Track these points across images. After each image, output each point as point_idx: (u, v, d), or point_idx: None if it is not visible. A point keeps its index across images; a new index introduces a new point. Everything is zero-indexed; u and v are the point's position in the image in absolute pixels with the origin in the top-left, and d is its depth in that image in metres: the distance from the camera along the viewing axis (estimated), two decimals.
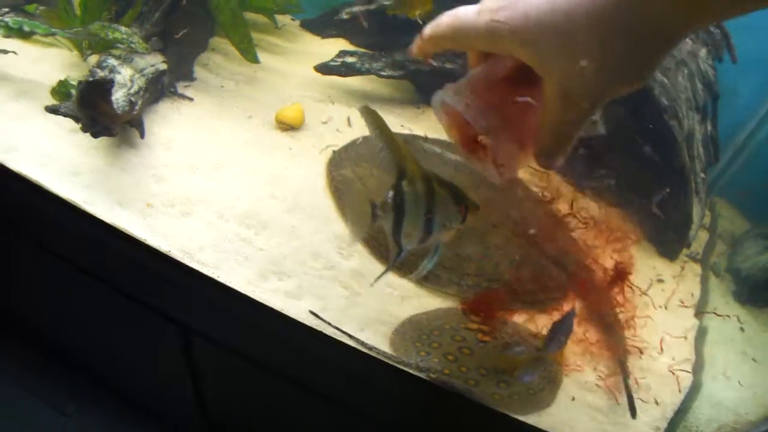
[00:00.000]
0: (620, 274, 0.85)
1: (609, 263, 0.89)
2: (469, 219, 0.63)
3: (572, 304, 0.83)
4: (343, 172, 0.95)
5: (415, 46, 0.60)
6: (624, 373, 0.78)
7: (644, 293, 0.91)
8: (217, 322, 0.84)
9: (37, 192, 0.82)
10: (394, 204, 0.59)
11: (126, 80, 0.89)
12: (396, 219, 0.59)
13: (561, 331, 0.73)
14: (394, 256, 0.62)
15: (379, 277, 0.69)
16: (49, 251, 0.94)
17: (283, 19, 1.38)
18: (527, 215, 0.94)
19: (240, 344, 0.84)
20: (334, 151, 1.01)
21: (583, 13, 0.47)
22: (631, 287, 0.87)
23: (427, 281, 0.83)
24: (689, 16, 0.45)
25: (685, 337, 0.89)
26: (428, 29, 0.57)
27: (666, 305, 0.94)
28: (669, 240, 1.09)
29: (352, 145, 1.02)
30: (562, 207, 1.00)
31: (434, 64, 1.16)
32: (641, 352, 0.83)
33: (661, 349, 0.85)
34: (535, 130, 0.56)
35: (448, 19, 0.56)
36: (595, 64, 0.48)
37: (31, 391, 1.26)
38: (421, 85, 1.28)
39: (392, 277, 0.84)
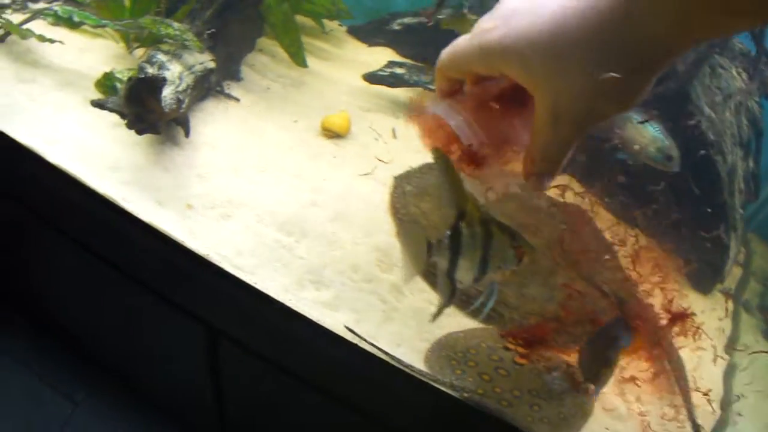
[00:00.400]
0: (680, 315, 0.81)
1: (655, 294, 0.85)
2: (525, 261, 0.62)
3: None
4: (408, 209, 0.90)
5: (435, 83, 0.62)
6: (689, 406, 0.77)
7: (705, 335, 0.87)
8: (250, 327, 0.82)
9: (75, 186, 0.80)
10: (451, 243, 0.59)
11: (174, 77, 0.87)
12: (451, 258, 0.60)
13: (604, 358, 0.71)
14: (447, 295, 0.62)
15: (436, 315, 0.66)
16: (80, 244, 0.92)
17: (330, 24, 1.36)
18: (585, 247, 0.90)
19: (270, 351, 0.82)
20: (396, 178, 0.95)
21: (573, 33, 0.47)
22: (688, 325, 0.83)
23: (489, 320, 0.81)
24: (679, 39, 0.46)
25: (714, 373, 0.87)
26: (437, 65, 0.59)
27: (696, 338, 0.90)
28: (703, 274, 1.06)
29: (417, 173, 0.97)
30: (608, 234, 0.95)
31: None
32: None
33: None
34: (526, 150, 0.57)
35: (447, 49, 0.57)
36: (585, 86, 0.49)
37: (41, 376, 1.26)
38: None
39: (432, 295, 0.81)
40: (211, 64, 0.97)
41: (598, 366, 0.73)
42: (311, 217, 0.88)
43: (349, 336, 0.71)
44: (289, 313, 0.72)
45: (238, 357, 0.88)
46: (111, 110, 0.84)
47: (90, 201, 0.79)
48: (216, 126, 0.99)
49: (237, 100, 1.05)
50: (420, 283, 0.81)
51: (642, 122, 0.96)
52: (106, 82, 0.94)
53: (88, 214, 0.84)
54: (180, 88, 0.87)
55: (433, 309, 0.74)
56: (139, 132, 0.84)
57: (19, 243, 1.10)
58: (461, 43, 0.56)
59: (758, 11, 0.42)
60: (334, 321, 0.72)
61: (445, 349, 0.74)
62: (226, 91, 1.05)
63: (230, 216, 0.84)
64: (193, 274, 0.77)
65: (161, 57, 0.89)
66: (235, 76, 1.10)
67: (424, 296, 0.80)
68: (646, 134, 0.96)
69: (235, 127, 0.99)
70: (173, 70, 0.88)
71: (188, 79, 0.90)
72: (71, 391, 1.25)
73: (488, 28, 0.52)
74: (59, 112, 0.91)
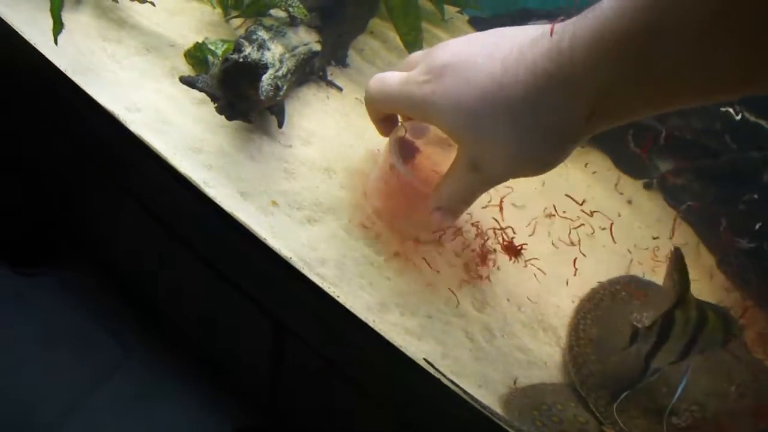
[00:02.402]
0: None
1: None
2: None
3: None
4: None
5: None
6: None
7: None
8: (322, 335, 0.80)
9: (153, 159, 0.74)
10: (661, 328, 0.61)
11: (275, 59, 0.74)
12: (656, 343, 0.62)
13: None
14: (642, 374, 0.65)
15: (619, 400, 0.67)
16: (154, 216, 0.92)
17: (451, 10, 1.21)
18: None
19: (337, 357, 0.81)
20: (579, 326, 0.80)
21: (496, 103, 0.52)
22: None
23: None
24: (599, 121, 0.50)
25: None
26: (365, 95, 0.65)
27: None
28: None
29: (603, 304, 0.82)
30: None
31: None
32: None
33: None
34: (438, 184, 0.63)
35: (375, 84, 0.63)
36: (503, 151, 0.54)
37: (99, 319, 1.33)
38: None
39: (525, 340, 0.74)
40: (316, 47, 0.84)
41: None
42: None
43: (426, 365, 0.67)
44: (369, 333, 0.67)
45: (303, 354, 0.89)
46: (201, 90, 0.73)
47: (168, 179, 0.74)
48: (312, 118, 0.86)
49: (340, 89, 0.92)
50: (513, 327, 0.74)
51: None
52: (196, 54, 0.83)
53: (163, 190, 0.80)
54: (279, 73, 0.74)
55: (522, 356, 0.73)
56: (229, 118, 0.74)
57: (93, 198, 1.14)
58: (391, 83, 0.60)
59: (666, 100, 0.47)
60: (415, 349, 0.67)
61: (529, 398, 0.69)
62: (329, 78, 0.91)
63: (317, 221, 0.75)
64: (271, 273, 0.72)
65: (262, 34, 0.76)
66: (342, 62, 0.96)
67: (515, 342, 0.73)
68: None
69: (334, 122, 0.87)
70: (274, 51, 0.75)
71: (289, 63, 0.78)
72: (126, 338, 1.31)
73: (419, 80, 0.57)
74: (142, 79, 0.82)
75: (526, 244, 0.79)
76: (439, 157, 0.77)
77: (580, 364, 0.73)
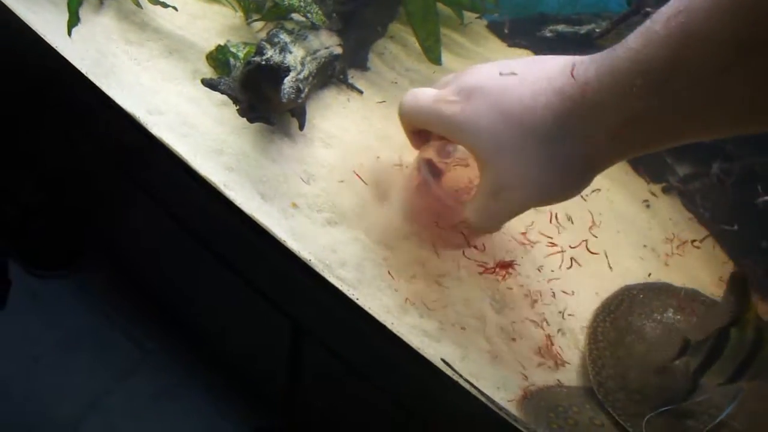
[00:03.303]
0: None
1: None
2: None
3: None
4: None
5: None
6: None
7: None
8: (341, 337, 0.80)
9: (174, 162, 0.75)
10: (714, 345, 0.59)
11: (297, 63, 0.75)
12: (706, 359, 0.59)
13: None
14: (688, 393, 0.63)
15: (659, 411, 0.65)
16: (173, 217, 0.93)
17: (470, 16, 1.21)
18: None
19: (357, 360, 0.82)
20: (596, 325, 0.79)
21: (524, 130, 0.53)
22: None
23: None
24: (621, 151, 0.52)
25: None
26: (399, 110, 0.66)
27: None
28: None
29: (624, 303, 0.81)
30: None
31: None
32: None
33: None
34: (467, 202, 0.63)
35: (409, 101, 0.64)
36: (525, 177, 0.54)
37: (114, 321, 1.34)
38: None
39: (543, 343, 0.74)
40: (338, 50, 0.84)
41: None
42: None
43: (444, 367, 0.67)
44: (387, 335, 0.68)
45: (322, 356, 0.89)
46: (223, 92, 0.73)
47: (189, 180, 0.74)
48: (333, 120, 0.87)
49: (360, 92, 0.93)
50: (531, 330, 0.74)
51: None
52: (218, 56, 0.84)
53: (184, 192, 0.81)
54: (301, 76, 0.75)
55: (540, 358, 0.72)
56: (251, 120, 0.75)
57: (111, 199, 1.16)
58: (424, 101, 0.61)
59: (685, 133, 0.48)
60: (434, 351, 0.67)
61: (545, 400, 0.68)
62: (350, 81, 0.92)
63: (337, 223, 0.75)
64: (290, 274, 0.72)
65: (284, 37, 0.77)
66: (363, 65, 0.97)
67: (533, 344, 0.73)
68: None
69: (354, 125, 0.87)
70: (296, 54, 0.76)
71: (311, 66, 0.78)
72: (142, 340, 1.32)
73: (449, 99, 0.57)
74: (165, 82, 0.83)
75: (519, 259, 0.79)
76: (468, 174, 0.76)
77: (599, 367, 0.72)
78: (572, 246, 0.83)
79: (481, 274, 0.76)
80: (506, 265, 0.77)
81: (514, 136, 0.53)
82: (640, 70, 0.45)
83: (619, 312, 0.78)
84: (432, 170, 0.71)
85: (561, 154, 0.52)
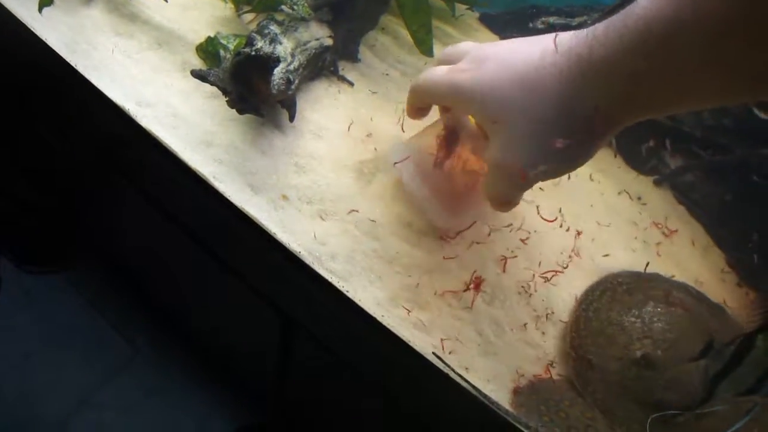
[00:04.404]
0: None
1: None
2: None
3: None
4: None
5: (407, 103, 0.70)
6: None
7: None
8: (331, 330, 0.80)
9: (163, 153, 0.75)
10: (737, 350, 0.57)
11: (287, 54, 0.74)
12: (728, 365, 0.57)
13: None
14: (700, 400, 0.60)
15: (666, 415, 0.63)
16: (162, 211, 0.92)
17: (461, 8, 1.21)
18: None
19: (347, 353, 0.82)
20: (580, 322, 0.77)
21: (530, 87, 0.53)
22: None
23: None
24: (620, 114, 0.52)
25: None
26: (412, 85, 0.67)
27: None
28: None
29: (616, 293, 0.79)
30: None
31: None
32: None
33: None
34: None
35: (424, 75, 0.64)
36: (530, 138, 0.54)
37: (108, 318, 1.35)
38: None
39: (534, 335, 0.74)
40: (328, 41, 0.84)
41: None
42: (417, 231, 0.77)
43: (434, 359, 0.67)
44: (376, 327, 0.68)
45: (311, 349, 0.90)
46: (212, 84, 0.73)
47: (179, 173, 0.74)
48: (324, 112, 0.86)
49: (351, 84, 0.92)
50: (522, 322, 0.74)
51: None
52: (208, 48, 0.83)
53: (174, 185, 0.81)
54: (291, 67, 0.74)
55: (531, 350, 0.72)
56: (240, 112, 0.74)
57: (101, 195, 1.15)
58: (438, 74, 0.61)
59: (685, 97, 0.49)
60: (424, 344, 0.66)
61: (536, 393, 0.69)
62: (341, 73, 0.91)
63: (327, 215, 0.75)
64: (281, 267, 0.72)
65: (274, 28, 0.76)
66: (353, 57, 0.96)
67: (524, 336, 0.73)
68: None
69: (344, 116, 0.87)
70: (285, 45, 0.76)
71: (301, 57, 0.78)
72: (134, 336, 1.34)
73: (462, 69, 0.58)
74: (154, 74, 0.83)
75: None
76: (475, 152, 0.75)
77: (580, 357, 0.72)
78: (564, 239, 0.82)
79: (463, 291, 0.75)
80: (478, 284, 0.76)
81: (523, 94, 0.53)
82: (643, 30, 0.46)
83: (602, 302, 0.77)
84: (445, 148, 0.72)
85: (567, 114, 0.52)
